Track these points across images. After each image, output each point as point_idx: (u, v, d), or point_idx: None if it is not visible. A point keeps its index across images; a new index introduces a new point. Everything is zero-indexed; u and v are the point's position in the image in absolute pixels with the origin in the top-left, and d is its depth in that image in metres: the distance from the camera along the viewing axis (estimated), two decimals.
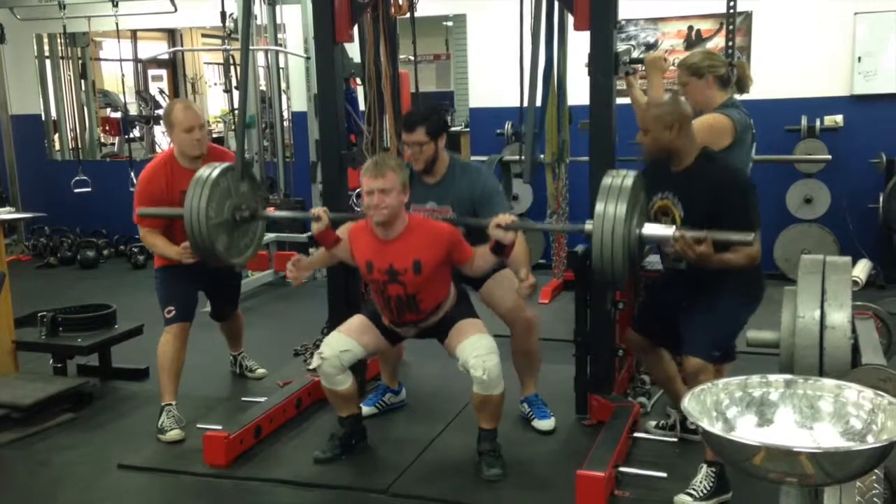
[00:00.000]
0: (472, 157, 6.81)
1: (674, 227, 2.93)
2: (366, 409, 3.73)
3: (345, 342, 3.31)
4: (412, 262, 3.13)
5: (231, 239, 3.53)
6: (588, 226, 2.88)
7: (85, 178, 7.47)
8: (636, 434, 3.49)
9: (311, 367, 3.37)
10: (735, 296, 3.04)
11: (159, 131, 9.23)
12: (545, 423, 3.63)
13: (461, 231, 3.27)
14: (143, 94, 9.12)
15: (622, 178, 2.87)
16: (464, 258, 3.19)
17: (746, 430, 1.85)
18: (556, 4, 4.08)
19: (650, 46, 6.32)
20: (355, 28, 4.04)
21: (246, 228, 3.63)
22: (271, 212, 3.93)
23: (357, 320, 3.39)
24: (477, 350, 3.15)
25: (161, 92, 10.05)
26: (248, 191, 3.59)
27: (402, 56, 4.82)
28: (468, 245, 3.20)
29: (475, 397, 3.21)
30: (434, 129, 3.42)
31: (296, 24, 6.88)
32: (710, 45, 6.13)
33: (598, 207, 2.84)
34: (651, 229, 2.94)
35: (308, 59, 6.44)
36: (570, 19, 3.69)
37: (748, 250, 2.93)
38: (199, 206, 3.33)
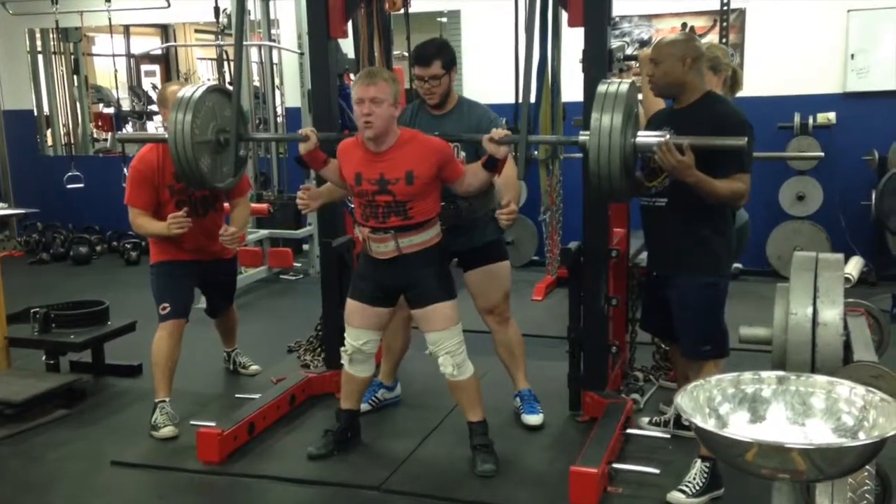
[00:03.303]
0: None
1: (666, 134, 2.89)
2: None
3: (359, 334, 3.32)
4: (405, 173, 3.09)
5: (215, 162, 3.50)
6: (584, 137, 2.87)
7: (77, 173, 7.43)
8: (629, 430, 3.51)
9: (344, 364, 3.39)
10: (706, 279, 3.04)
11: (152, 126, 9.20)
12: (533, 418, 3.64)
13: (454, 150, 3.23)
14: (135, 90, 9.07)
15: (617, 86, 2.87)
16: (455, 175, 3.16)
17: (739, 427, 1.85)
18: (551, 1, 4.08)
19: (644, 43, 6.32)
20: (350, 23, 4.03)
21: (230, 153, 3.58)
22: (256, 133, 3.88)
23: (351, 306, 3.34)
24: (446, 347, 3.20)
25: (154, 87, 10.00)
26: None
27: (396, 52, 4.82)
28: (459, 163, 3.19)
29: (448, 385, 3.29)
30: (448, 62, 3.42)
31: (290, 19, 6.87)
32: (703, 41, 6.13)
33: (594, 117, 2.82)
34: (645, 138, 2.92)
35: (302, 54, 6.43)
36: (565, 15, 3.69)
37: (735, 185, 2.91)
38: (184, 122, 3.30)
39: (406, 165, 3.09)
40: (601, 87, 2.88)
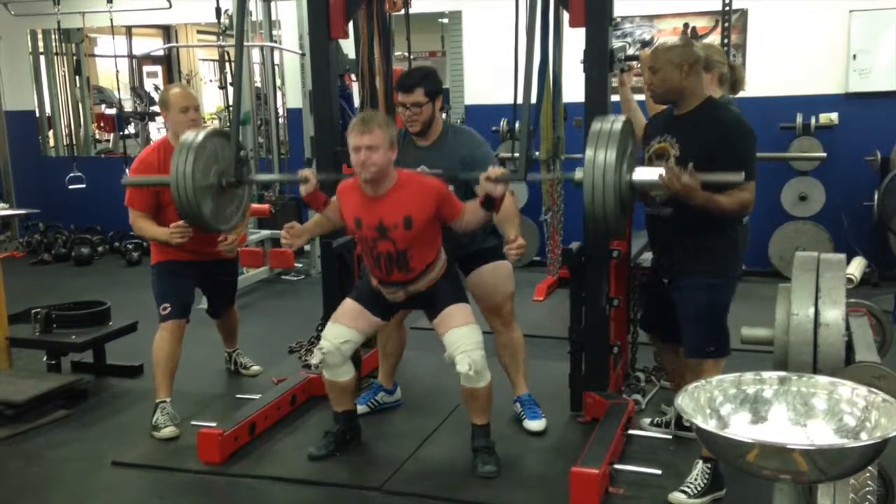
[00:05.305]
0: None
1: (662, 168, 2.89)
2: (358, 408, 3.70)
3: (342, 332, 3.29)
4: (402, 218, 3.09)
5: (217, 204, 3.50)
6: (579, 174, 2.87)
7: (79, 174, 7.43)
8: (631, 431, 3.50)
9: (312, 363, 3.37)
10: (711, 281, 3.03)
11: (154, 127, 9.24)
12: (535, 424, 3.62)
13: (450, 188, 3.23)
14: (137, 91, 9.10)
15: (611, 123, 2.86)
16: (454, 214, 3.15)
17: (740, 428, 1.85)
18: (552, 1, 4.07)
19: (646, 43, 6.31)
20: (350, 24, 4.03)
21: (232, 195, 3.58)
22: (258, 175, 3.89)
23: (348, 305, 3.35)
24: (464, 345, 3.14)
25: (156, 88, 10.03)
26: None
27: (397, 53, 4.82)
28: (458, 201, 3.17)
29: (463, 391, 3.23)
30: (432, 90, 3.39)
31: (291, 20, 6.87)
32: (705, 42, 6.13)
33: (588, 154, 2.82)
34: (641, 174, 2.92)
35: (303, 55, 6.43)
36: (566, 16, 3.68)
37: (741, 196, 2.90)
38: (185, 167, 3.30)
39: (404, 210, 3.10)
40: (595, 126, 2.89)
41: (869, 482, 2.05)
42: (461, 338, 3.16)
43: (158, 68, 10.62)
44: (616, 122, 2.87)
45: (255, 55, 7.32)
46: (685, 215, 2.99)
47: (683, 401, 1.83)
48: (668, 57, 2.99)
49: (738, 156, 2.91)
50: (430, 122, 3.44)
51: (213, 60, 10.31)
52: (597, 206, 2.82)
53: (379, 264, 3.21)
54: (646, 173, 2.93)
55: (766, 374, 1.93)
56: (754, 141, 2.99)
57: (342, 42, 3.99)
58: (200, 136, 3.38)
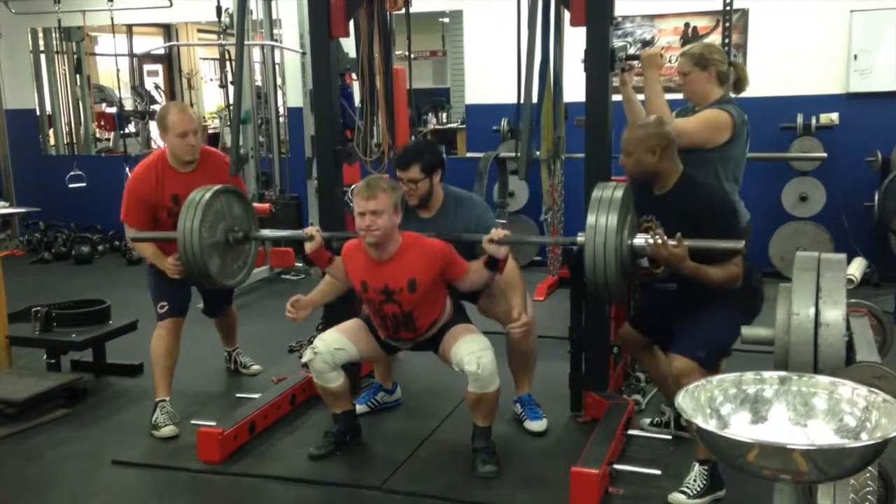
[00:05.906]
0: (468, 154, 6.82)
1: (655, 238, 2.90)
2: (358, 408, 3.71)
3: (340, 340, 3.30)
4: (407, 282, 3.13)
5: (224, 261, 3.53)
6: (580, 238, 2.89)
7: (80, 173, 7.44)
8: (631, 431, 3.50)
9: (303, 360, 3.37)
10: (729, 306, 3.01)
11: (154, 127, 9.24)
12: (536, 425, 3.62)
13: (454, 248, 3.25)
14: (138, 90, 9.08)
15: (612, 190, 2.89)
16: (458, 274, 3.19)
17: (740, 428, 1.85)
18: (553, 0, 4.07)
19: (646, 43, 6.31)
20: (351, 23, 4.02)
21: (239, 251, 3.62)
22: (264, 232, 3.86)
23: (355, 323, 3.40)
24: (471, 347, 3.15)
25: (157, 87, 10.02)
26: (241, 213, 3.59)
27: (397, 52, 4.81)
28: (462, 261, 3.20)
29: (470, 396, 3.21)
30: (428, 167, 3.39)
31: (292, 19, 6.87)
32: (705, 41, 6.12)
33: (590, 219, 2.85)
34: (642, 240, 2.95)
35: (304, 54, 6.42)
36: (567, 15, 3.68)
37: (730, 270, 2.91)
38: (193, 226, 3.33)
39: (408, 273, 3.13)
40: (596, 192, 2.91)
41: (869, 482, 2.05)
42: (467, 343, 3.18)
43: (159, 67, 10.61)
44: (617, 190, 2.90)
45: (256, 54, 7.32)
46: (692, 286, 2.97)
47: (683, 400, 1.82)
48: (640, 137, 3.01)
49: (725, 233, 2.91)
50: (427, 196, 3.45)
51: (214, 59, 10.31)
52: (598, 271, 2.85)
53: (386, 325, 3.28)
54: (641, 240, 2.96)
55: (766, 374, 1.92)
56: (736, 214, 3.04)
57: (343, 41, 3.98)
58: (208, 195, 3.41)
